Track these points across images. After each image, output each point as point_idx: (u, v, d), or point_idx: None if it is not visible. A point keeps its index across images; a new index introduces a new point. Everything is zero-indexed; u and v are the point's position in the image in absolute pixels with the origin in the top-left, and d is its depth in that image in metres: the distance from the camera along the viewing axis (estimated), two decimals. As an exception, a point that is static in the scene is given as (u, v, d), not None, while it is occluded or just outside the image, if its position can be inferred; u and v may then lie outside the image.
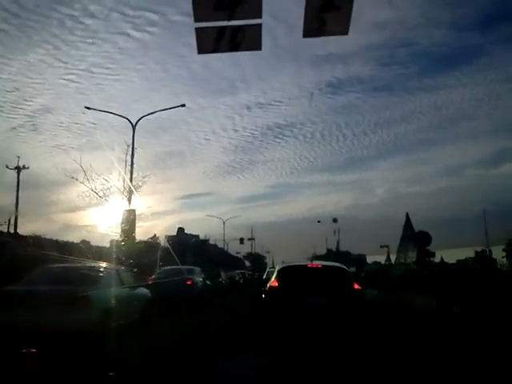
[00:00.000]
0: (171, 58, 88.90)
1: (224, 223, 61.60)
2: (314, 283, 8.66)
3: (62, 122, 75.67)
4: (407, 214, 66.51)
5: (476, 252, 66.56)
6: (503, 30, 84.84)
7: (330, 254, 59.44)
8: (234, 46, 3.70)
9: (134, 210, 20.98)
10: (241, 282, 33.98)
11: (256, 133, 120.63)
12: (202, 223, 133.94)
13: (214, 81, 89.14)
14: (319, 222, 66.36)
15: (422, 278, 16.58)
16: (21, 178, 35.76)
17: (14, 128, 45.27)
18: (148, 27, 78.82)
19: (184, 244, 63.42)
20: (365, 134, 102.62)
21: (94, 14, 72.09)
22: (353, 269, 48.33)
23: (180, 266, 18.67)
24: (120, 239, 20.23)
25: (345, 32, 3.55)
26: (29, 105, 76.29)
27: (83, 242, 42.81)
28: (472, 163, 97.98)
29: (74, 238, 36.74)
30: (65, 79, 74.60)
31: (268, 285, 9.25)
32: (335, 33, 3.60)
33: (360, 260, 50.89)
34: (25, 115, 53.63)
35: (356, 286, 8.79)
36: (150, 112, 24.79)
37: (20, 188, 35.89)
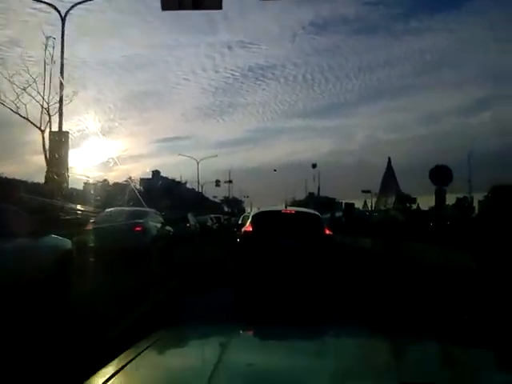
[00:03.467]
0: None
1: (198, 164, 58.36)
2: (287, 228, 8.87)
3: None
4: (389, 159, 65.00)
5: (458, 199, 65.99)
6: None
7: (311, 200, 57.41)
8: (197, 5, 4.54)
9: (65, 133, 17.19)
10: (214, 227, 30.73)
11: (237, 74, 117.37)
12: (180, 167, 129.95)
13: (194, 17, 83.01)
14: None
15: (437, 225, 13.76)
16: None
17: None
18: None
19: (159, 187, 60.49)
20: (347, 78, 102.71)
21: None
22: (339, 214, 46.58)
23: (130, 208, 15.40)
24: (49, 173, 16.66)
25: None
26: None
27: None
28: (454, 110, 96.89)
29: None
30: None
31: (243, 229, 9.51)
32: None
33: (350, 205, 48.63)
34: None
35: (327, 232, 9.04)
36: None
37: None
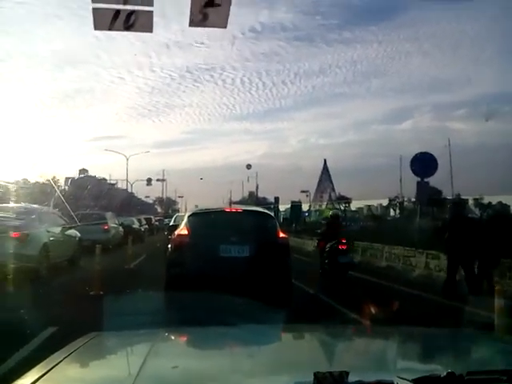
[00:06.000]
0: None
1: (127, 159, 54.38)
2: (232, 231, 7.44)
3: None
4: (325, 161, 65.01)
5: (389, 199, 67.35)
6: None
7: (251, 200, 55.21)
8: (128, 27, 4.00)
9: None
10: (142, 230, 26.94)
11: (174, 75, 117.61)
12: (112, 167, 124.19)
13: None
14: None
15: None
16: None
17: None
18: None
19: (85, 187, 56.30)
20: (284, 84, 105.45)
21: None
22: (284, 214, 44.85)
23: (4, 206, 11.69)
24: None
25: (224, 26, 4.05)
26: None
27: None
28: (379, 118, 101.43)
29: None
30: None
31: (176, 233, 8.01)
32: (215, 26, 4.11)
33: (297, 205, 46.50)
34: None
35: (282, 235, 7.83)
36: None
37: None
